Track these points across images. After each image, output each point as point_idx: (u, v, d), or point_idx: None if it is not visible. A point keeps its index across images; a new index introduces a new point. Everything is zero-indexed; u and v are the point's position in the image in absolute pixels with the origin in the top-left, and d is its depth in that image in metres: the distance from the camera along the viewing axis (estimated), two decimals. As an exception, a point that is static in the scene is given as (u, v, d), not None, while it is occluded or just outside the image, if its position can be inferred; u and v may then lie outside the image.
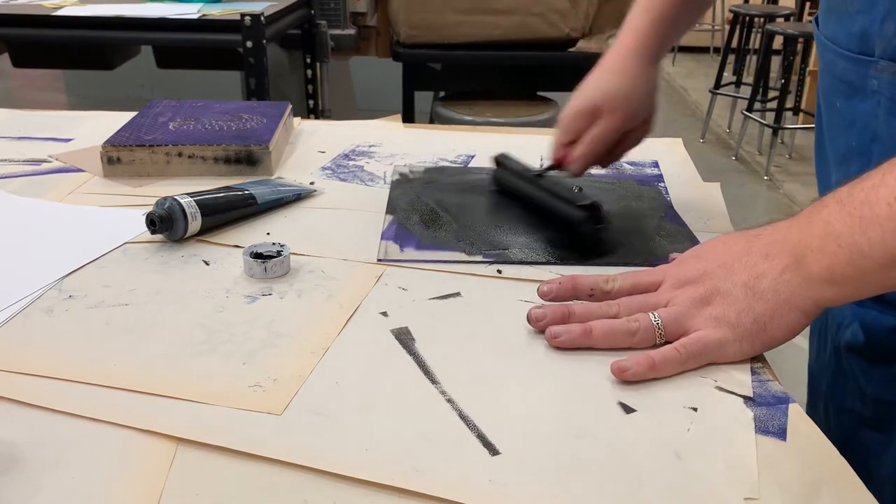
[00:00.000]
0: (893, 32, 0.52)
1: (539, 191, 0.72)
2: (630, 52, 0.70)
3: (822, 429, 0.63)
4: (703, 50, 6.03)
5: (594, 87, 0.69)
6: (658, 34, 0.69)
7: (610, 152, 0.71)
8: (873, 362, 0.60)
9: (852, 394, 0.62)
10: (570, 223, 0.68)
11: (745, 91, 3.83)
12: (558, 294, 0.54)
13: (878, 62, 0.53)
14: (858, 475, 0.41)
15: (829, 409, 0.65)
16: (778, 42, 3.51)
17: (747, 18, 3.99)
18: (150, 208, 0.64)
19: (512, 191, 0.76)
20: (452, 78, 2.37)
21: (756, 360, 0.50)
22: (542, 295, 0.55)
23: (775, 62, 4.00)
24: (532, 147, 0.87)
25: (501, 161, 0.78)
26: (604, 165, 0.74)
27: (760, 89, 3.68)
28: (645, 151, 0.91)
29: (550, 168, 0.73)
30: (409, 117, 2.27)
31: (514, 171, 0.76)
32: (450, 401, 0.46)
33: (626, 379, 0.47)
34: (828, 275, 0.46)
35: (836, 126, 0.60)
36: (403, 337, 0.52)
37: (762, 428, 0.44)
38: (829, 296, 0.47)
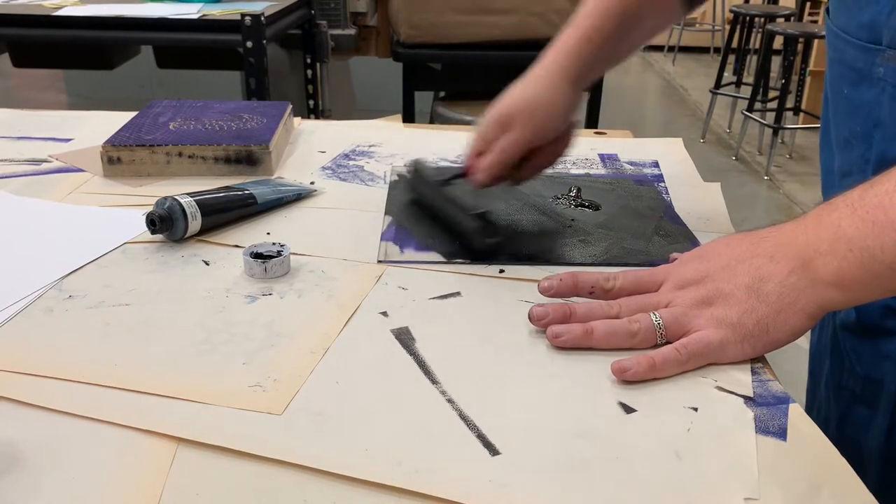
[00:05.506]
0: None
1: (441, 200, 0.68)
2: (550, 67, 0.67)
3: (823, 408, 0.64)
4: (703, 50, 6.03)
5: (511, 96, 0.67)
6: (582, 53, 0.67)
7: (519, 167, 0.68)
8: (864, 339, 0.61)
9: (847, 372, 0.63)
10: (463, 235, 0.64)
11: (746, 91, 3.83)
12: (559, 291, 0.55)
13: (885, 51, 0.55)
14: (851, 450, 0.41)
15: (829, 389, 0.66)
16: (778, 42, 3.51)
17: (747, 18, 3.99)
18: (150, 208, 0.64)
19: (421, 200, 0.73)
20: (452, 78, 2.37)
21: (756, 360, 0.50)
22: (543, 291, 0.55)
23: (775, 62, 4.00)
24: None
25: (417, 167, 0.74)
26: (514, 182, 0.70)
27: (760, 89, 3.68)
28: (645, 151, 0.92)
29: (457, 176, 0.69)
30: (409, 117, 2.27)
31: (424, 178, 0.72)
32: (450, 401, 0.46)
33: (627, 379, 0.47)
34: (836, 278, 0.46)
35: (842, 112, 0.61)
36: (403, 337, 0.52)
37: (762, 428, 0.44)
38: (836, 299, 0.47)
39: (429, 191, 0.71)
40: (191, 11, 1.76)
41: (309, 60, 2.25)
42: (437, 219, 0.69)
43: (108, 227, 0.68)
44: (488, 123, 0.67)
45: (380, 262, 0.63)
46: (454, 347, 0.51)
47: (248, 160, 0.81)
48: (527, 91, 0.67)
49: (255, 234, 0.68)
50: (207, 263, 0.62)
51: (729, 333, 0.48)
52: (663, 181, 0.82)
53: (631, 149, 0.93)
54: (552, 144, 0.68)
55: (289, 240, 0.63)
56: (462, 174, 0.68)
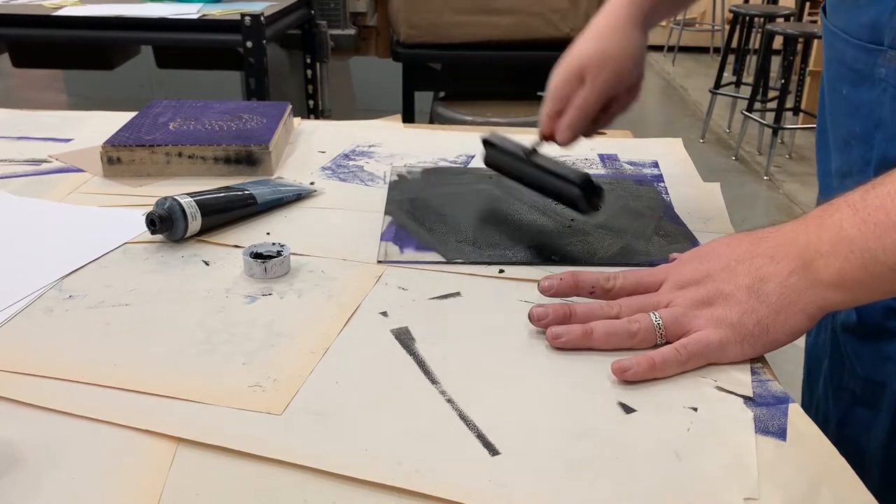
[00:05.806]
0: None
1: (533, 169, 0.69)
2: (618, 15, 0.67)
3: (821, 407, 0.63)
4: (703, 50, 6.03)
5: (580, 49, 0.67)
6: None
7: (595, 120, 0.69)
8: (865, 341, 0.61)
9: (848, 373, 0.63)
10: (567, 202, 0.67)
11: (745, 91, 3.83)
12: (559, 290, 0.54)
13: (887, 51, 0.54)
14: (851, 451, 0.41)
15: (828, 389, 0.66)
16: (778, 42, 3.52)
17: (747, 18, 3.99)
18: (150, 208, 0.64)
19: (505, 172, 0.74)
20: (452, 78, 2.37)
21: (756, 360, 0.50)
22: (543, 290, 0.55)
23: (775, 62, 4.00)
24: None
25: (490, 141, 0.74)
26: (587, 135, 0.71)
27: (760, 89, 3.68)
28: (645, 151, 0.92)
29: (542, 141, 0.70)
30: (409, 117, 2.28)
31: (504, 150, 0.73)
32: (450, 401, 0.46)
33: (627, 379, 0.47)
34: (837, 279, 0.46)
35: (840, 112, 0.61)
36: (403, 337, 0.52)
37: (762, 428, 0.44)
38: (836, 300, 0.47)
39: (515, 162, 0.71)
40: (191, 11, 1.76)
41: (309, 60, 2.25)
42: (533, 187, 0.71)
43: (108, 227, 0.68)
44: (561, 81, 0.66)
45: (380, 262, 0.63)
46: (454, 347, 0.51)
47: (248, 160, 0.81)
48: (597, 43, 0.66)
49: (255, 234, 0.68)
50: (207, 263, 0.62)
51: (729, 334, 0.48)
52: (663, 181, 0.82)
53: (631, 149, 0.93)
54: (625, 92, 0.69)
55: (289, 240, 0.63)
56: (545, 139, 0.69)
